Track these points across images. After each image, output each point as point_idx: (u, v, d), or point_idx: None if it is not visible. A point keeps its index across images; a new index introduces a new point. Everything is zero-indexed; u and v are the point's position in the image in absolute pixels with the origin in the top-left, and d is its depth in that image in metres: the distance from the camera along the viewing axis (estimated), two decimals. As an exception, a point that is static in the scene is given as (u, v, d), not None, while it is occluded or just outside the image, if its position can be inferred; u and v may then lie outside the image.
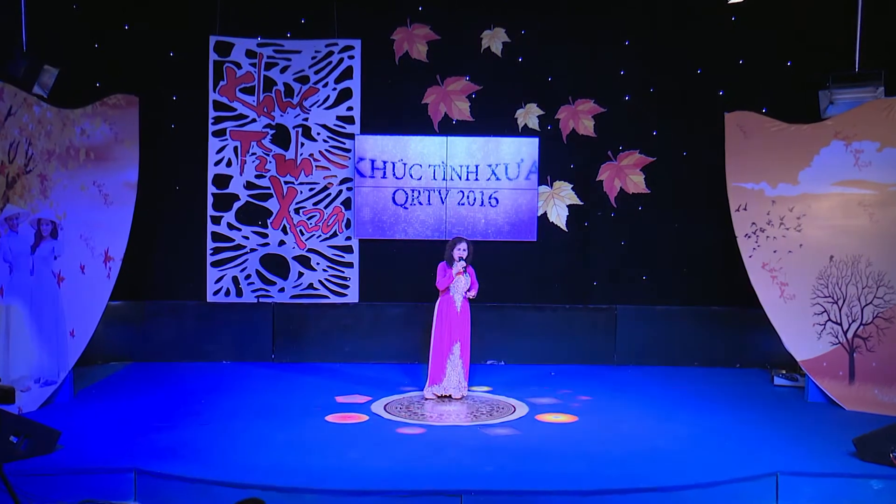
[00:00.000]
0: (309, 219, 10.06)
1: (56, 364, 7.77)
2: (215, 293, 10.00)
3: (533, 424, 7.37)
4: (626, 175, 10.06)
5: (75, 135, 8.07)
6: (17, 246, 7.40)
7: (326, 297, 10.09)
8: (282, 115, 9.99)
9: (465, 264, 8.04)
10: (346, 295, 10.09)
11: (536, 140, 9.97)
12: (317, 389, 8.58)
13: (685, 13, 9.82)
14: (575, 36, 9.94)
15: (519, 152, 9.97)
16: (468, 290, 8.10)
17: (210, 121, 9.91)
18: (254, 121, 9.97)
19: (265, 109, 9.97)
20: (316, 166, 10.03)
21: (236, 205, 10.00)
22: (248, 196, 10.01)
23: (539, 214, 10.05)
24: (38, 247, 7.65)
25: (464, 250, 8.07)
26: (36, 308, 7.60)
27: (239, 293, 10.02)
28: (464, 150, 9.97)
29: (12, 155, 7.24)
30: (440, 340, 8.14)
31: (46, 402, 7.70)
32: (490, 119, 10.02)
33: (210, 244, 9.98)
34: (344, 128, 10.02)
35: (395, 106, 10.03)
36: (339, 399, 8.16)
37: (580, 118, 10.03)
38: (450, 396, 8.15)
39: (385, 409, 7.82)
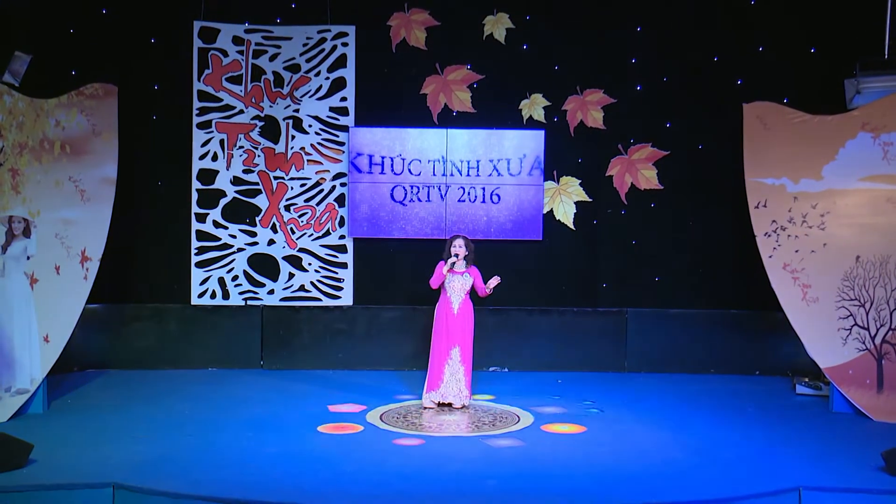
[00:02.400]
0: (300, 216, 10.02)
1: (28, 372, 7.71)
2: (200, 296, 9.96)
3: (538, 435, 7.35)
4: (637, 170, 10.02)
5: (49, 127, 8.02)
6: (-13, 245, 7.37)
7: (319, 299, 10.05)
8: (271, 106, 9.94)
9: (454, 260, 8.03)
10: (339, 297, 10.06)
11: (542, 133, 9.93)
12: (308, 398, 8.56)
13: (701, -3, 9.81)
14: (583, 22, 9.91)
15: (523, 146, 9.93)
16: (489, 288, 8.08)
17: (194, 112, 9.87)
18: (241, 112, 9.92)
19: (253, 100, 9.92)
20: (308, 160, 10.00)
21: (223, 201, 9.96)
22: (236, 192, 9.97)
23: (545, 212, 10.01)
24: (10, 246, 7.62)
25: (460, 247, 8.06)
26: (7, 311, 7.55)
27: (225, 296, 9.98)
28: (465, 144, 9.93)
29: (-18, 148, 7.21)
30: (438, 344, 8.11)
31: (18, 412, 7.63)
32: (493, 110, 10.00)
33: (195, 243, 9.94)
34: (337, 120, 9.98)
35: (392, 96, 10.00)
36: (332, 408, 8.14)
37: (589, 109, 9.99)
38: (450, 405, 8.11)
39: (381, 418, 7.80)
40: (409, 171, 9.93)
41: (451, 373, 8.10)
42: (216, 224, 9.96)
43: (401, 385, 9.14)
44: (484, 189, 9.96)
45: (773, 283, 8.51)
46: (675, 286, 10.06)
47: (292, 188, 10.01)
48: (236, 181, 9.97)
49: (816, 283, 8.32)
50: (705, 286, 10.02)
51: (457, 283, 8.10)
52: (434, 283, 8.12)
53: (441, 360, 8.10)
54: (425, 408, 8.12)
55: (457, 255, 8.05)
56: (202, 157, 9.92)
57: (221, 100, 9.90)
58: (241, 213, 9.99)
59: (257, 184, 9.99)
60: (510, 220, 9.96)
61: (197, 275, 9.95)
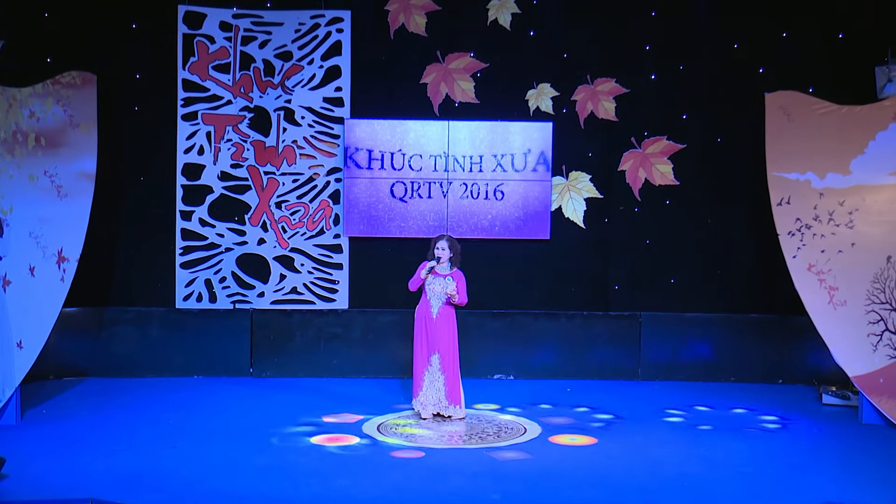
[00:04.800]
0: (292, 214, 10.00)
1: (0, 380, 7.67)
2: (185, 298, 9.94)
3: (546, 447, 7.36)
4: (651, 164, 10.00)
5: (23, 118, 8.00)
6: (-44, 244, 7.35)
7: (312, 302, 10.03)
8: (261, 97, 9.93)
9: (433, 265, 8.02)
10: (334, 300, 10.03)
11: (550, 125, 9.92)
12: (301, 407, 8.55)
13: (720, -21, 9.78)
14: (594, 6, 9.89)
15: (530, 139, 9.91)
16: (454, 297, 7.99)
17: (179, 102, 9.85)
18: (229, 102, 9.90)
19: (242, 90, 9.90)
20: (300, 154, 9.97)
21: (209, 198, 9.94)
22: (223, 188, 9.95)
23: (553, 209, 10.00)
24: (-19, 245, 7.60)
25: (443, 250, 8.07)
26: (-22, 315, 7.53)
27: (212, 298, 9.96)
28: (467, 137, 9.91)
29: (-49, 140, 7.18)
30: (418, 350, 8.15)
31: (-10, 423, 7.65)
32: (498, 101, 9.98)
33: (179, 243, 9.92)
34: (332, 111, 9.96)
35: (390, 86, 9.99)
36: (327, 419, 8.14)
37: (600, 100, 9.96)
38: (450, 416, 8.09)
39: (378, 429, 7.80)
40: (410, 166, 9.90)
41: (430, 381, 8.10)
42: (202, 222, 9.93)
43: (399, 394, 9.13)
44: (487, 185, 9.93)
45: (797, 286, 8.50)
46: (691, 288, 10.04)
47: (284, 184, 9.98)
48: (224, 176, 9.94)
49: (844, 285, 8.30)
50: (724, 288, 9.99)
51: (437, 286, 8.06)
52: (412, 285, 8.12)
53: (421, 366, 8.12)
54: (424, 418, 8.09)
55: (437, 259, 8.02)
56: (187, 151, 9.88)
57: (208, 89, 9.87)
58: (229, 210, 9.97)
59: (246, 179, 9.96)
60: (515, 217, 9.93)
61: (182, 276, 9.92)
